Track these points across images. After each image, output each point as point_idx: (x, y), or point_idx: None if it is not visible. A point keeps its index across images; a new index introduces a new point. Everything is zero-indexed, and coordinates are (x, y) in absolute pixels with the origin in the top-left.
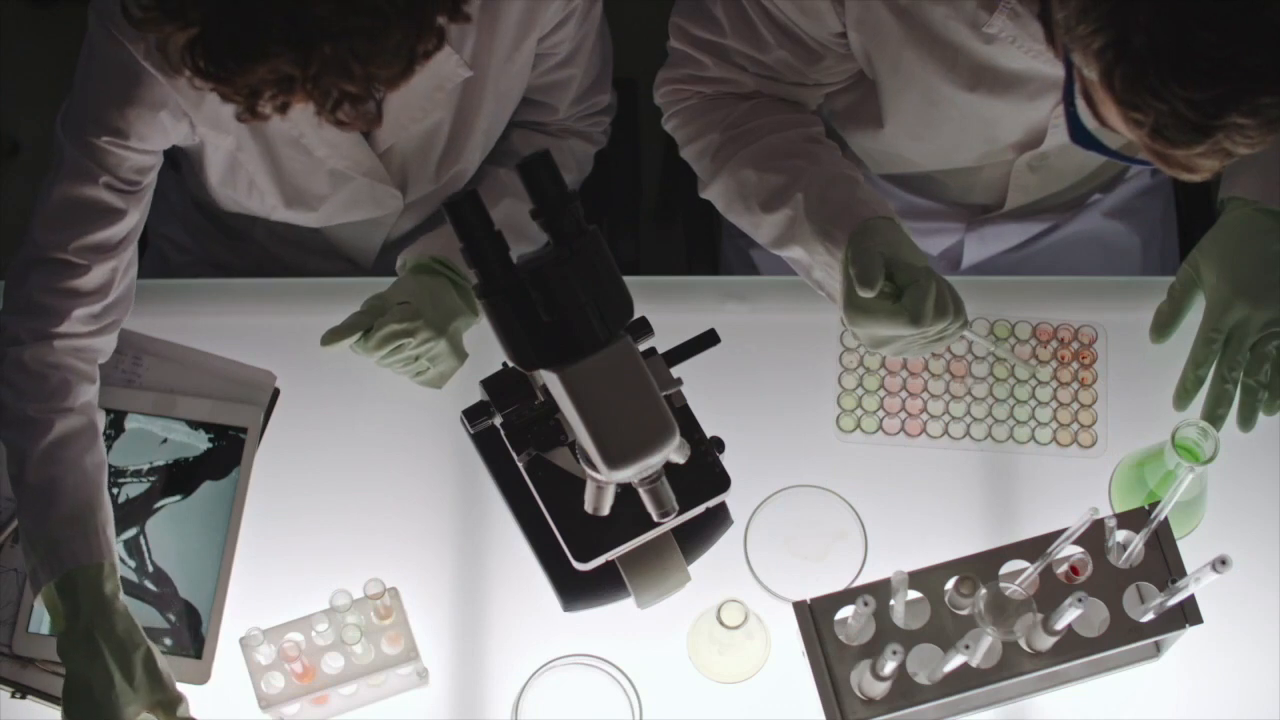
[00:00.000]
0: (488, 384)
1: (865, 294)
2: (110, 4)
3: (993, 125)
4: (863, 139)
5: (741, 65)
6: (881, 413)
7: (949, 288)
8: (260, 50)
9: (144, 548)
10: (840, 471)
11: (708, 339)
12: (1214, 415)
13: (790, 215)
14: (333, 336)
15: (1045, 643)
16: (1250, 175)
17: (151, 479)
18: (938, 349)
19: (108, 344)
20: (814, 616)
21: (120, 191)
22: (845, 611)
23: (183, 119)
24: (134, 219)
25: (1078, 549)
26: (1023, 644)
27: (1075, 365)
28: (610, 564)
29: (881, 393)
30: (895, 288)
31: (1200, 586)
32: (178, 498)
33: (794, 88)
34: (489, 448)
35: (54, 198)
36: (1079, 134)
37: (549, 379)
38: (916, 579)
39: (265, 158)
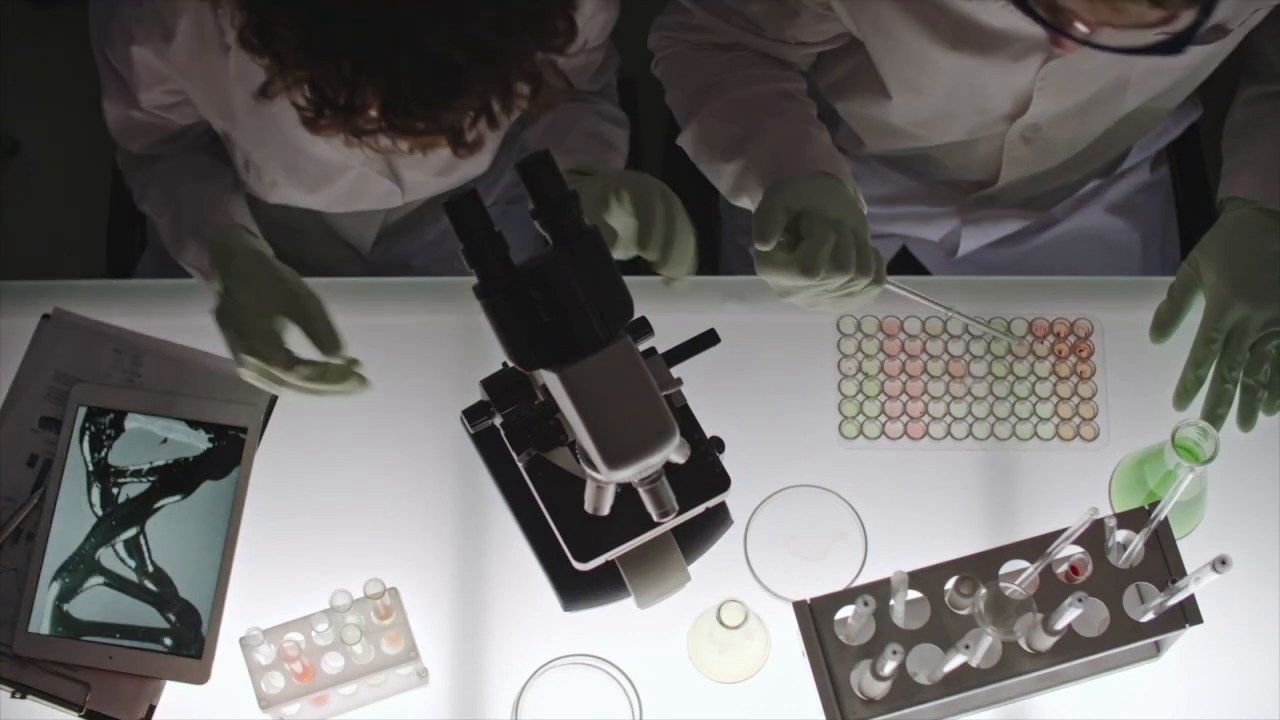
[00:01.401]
0: (488, 384)
1: (761, 247)
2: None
3: (980, 91)
4: (858, 109)
5: (723, 15)
6: (883, 418)
7: (861, 244)
8: (456, 86)
9: (144, 548)
10: (840, 471)
11: (708, 339)
12: (1214, 415)
13: (743, 166)
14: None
15: (1045, 643)
16: (1250, 175)
17: (151, 479)
18: (851, 306)
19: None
20: (814, 616)
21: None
22: (845, 611)
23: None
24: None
25: (1078, 549)
26: (1023, 644)
27: (1073, 359)
28: (610, 564)
29: (882, 397)
30: (795, 239)
31: (1200, 586)
32: (178, 498)
33: (775, 44)
34: (489, 448)
35: (108, 114)
36: None
37: (549, 379)
38: (916, 579)
39: (273, 138)
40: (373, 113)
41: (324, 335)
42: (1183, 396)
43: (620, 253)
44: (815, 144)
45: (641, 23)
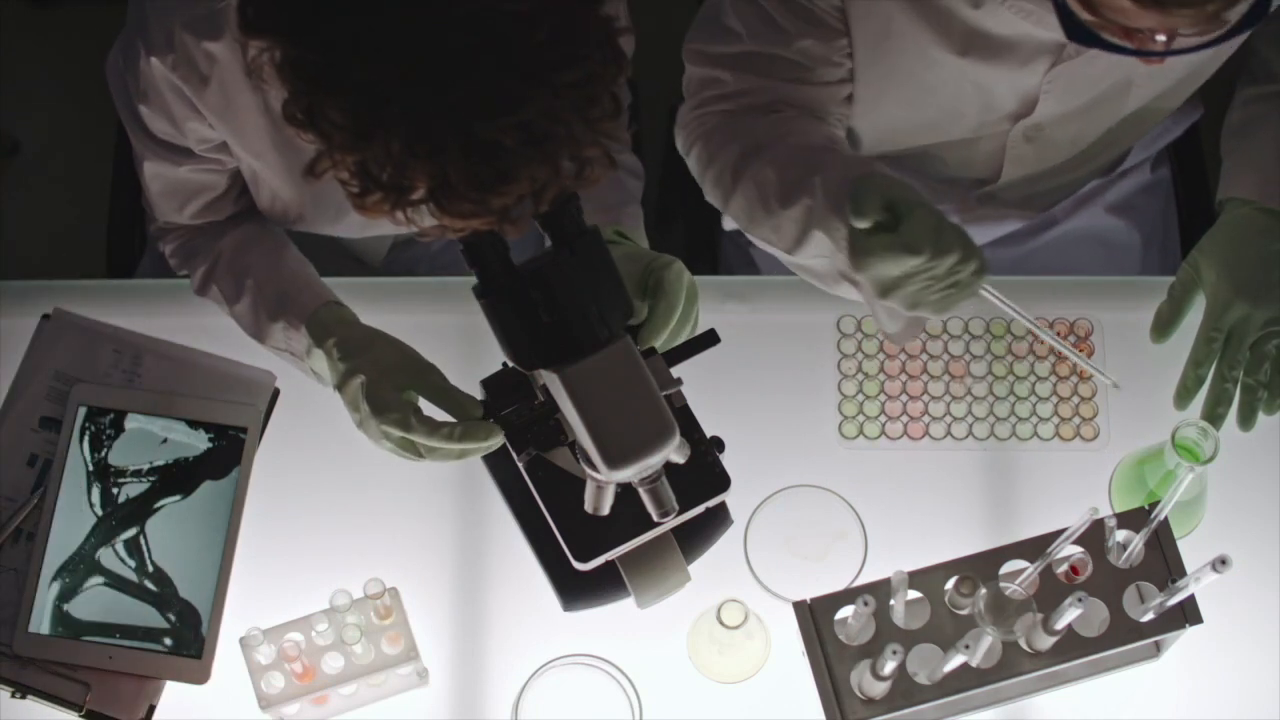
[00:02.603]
0: (488, 384)
1: (860, 223)
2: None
3: (986, 92)
4: (862, 115)
5: (763, 70)
6: (883, 418)
7: (958, 227)
8: (506, 172)
9: (144, 548)
10: (840, 471)
11: (708, 339)
12: (1214, 415)
13: (808, 204)
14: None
15: (1045, 643)
16: (1250, 175)
17: (151, 479)
18: (955, 303)
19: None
20: (814, 616)
21: (202, 169)
22: (845, 611)
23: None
24: (228, 179)
25: (1078, 549)
26: (1023, 644)
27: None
28: (610, 564)
29: (882, 398)
30: (895, 220)
31: (1200, 586)
32: (178, 497)
33: (818, 89)
34: None
35: (147, 177)
36: (1072, 29)
37: (549, 379)
38: (916, 579)
39: (291, 174)
40: (419, 194)
41: (460, 400)
42: (1183, 396)
43: None
44: (882, 166)
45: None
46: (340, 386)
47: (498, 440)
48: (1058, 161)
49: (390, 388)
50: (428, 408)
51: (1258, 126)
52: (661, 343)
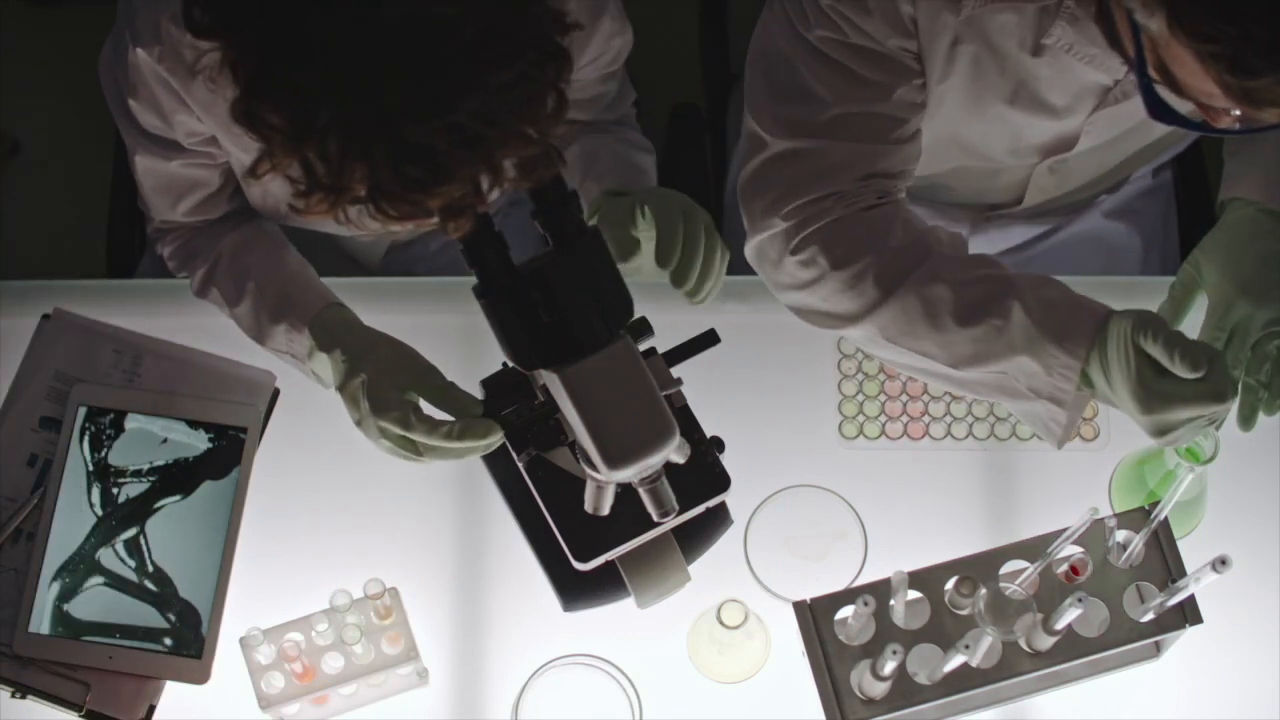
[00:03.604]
0: (488, 384)
1: (1193, 374)
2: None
3: (1019, 137)
4: None
5: (859, 134)
6: (883, 418)
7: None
8: (440, 173)
9: (144, 548)
10: (840, 471)
11: (708, 339)
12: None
13: (999, 325)
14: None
15: (1045, 643)
16: (1252, 177)
17: (151, 479)
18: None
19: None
20: (814, 616)
21: (194, 164)
22: (845, 611)
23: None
24: (219, 168)
25: (1078, 549)
26: (1023, 644)
27: None
28: (610, 564)
29: (882, 398)
30: (1185, 364)
31: (1200, 586)
32: (178, 497)
33: (906, 147)
34: None
35: (139, 172)
36: (1156, 108)
37: (549, 379)
38: (916, 579)
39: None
40: (359, 194)
41: (461, 399)
42: None
43: (648, 274)
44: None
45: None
46: (341, 387)
47: (497, 439)
48: (1076, 185)
49: (391, 387)
50: (430, 411)
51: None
52: (680, 269)
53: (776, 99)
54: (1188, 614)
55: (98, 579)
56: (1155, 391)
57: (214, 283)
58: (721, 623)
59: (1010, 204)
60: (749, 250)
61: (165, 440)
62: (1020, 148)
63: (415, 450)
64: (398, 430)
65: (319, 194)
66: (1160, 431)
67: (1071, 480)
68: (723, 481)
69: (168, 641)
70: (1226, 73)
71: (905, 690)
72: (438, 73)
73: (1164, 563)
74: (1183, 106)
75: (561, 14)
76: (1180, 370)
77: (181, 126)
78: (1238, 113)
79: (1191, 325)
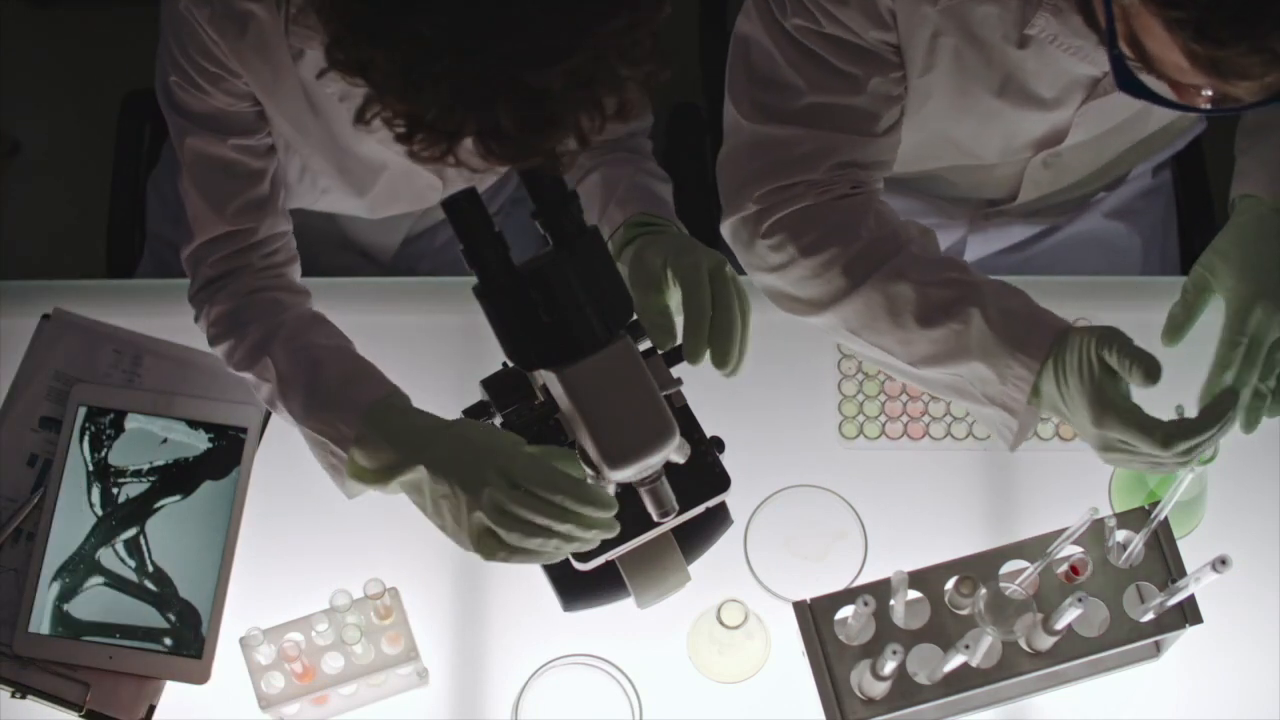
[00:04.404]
0: (488, 384)
1: (1149, 384)
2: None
3: (1012, 131)
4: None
5: (834, 124)
6: (883, 418)
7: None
8: (555, 116)
9: (144, 548)
10: (840, 471)
11: None
12: (1249, 426)
13: (958, 330)
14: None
15: (1045, 643)
16: (1265, 173)
17: (151, 479)
18: (1161, 473)
19: (294, 268)
20: (814, 616)
21: (246, 146)
22: (845, 611)
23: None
24: (271, 166)
25: (1078, 549)
26: (1023, 644)
27: None
28: (610, 564)
29: (882, 397)
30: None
31: (1200, 586)
32: (178, 497)
33: (881, 140)
34: None
35: (188, 159)
36: (1125, 80)
37: (549, 379)
38: (916, 579)
39: (325, 139)
40: (468, 138)
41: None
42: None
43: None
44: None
45: None
46: (426, 505)
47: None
48: (1072, 181)
49: (501, 489)
50: None
51: (1272, 124)
52: (703, 342)
53: (753, 84)
54: (1188, 614)
55: (98, 579)
56: (1111, 404)
57: (268, 352)
58: (721, 623)
59: (1006, 199)
60: (724, 229)
61: (165, 440)
62: (1013, 144)
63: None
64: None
65: (427, 136)
66: (1105, 446)
67: (1071, 480)
68: (723, 481)
69: (168, 641)
70: (1193, 40)
71: (905, 690)
72: (557, 18)
73: (1164, 563)
74: (1158, 88)
75: None
76: (1134, 378)
77: (227, 91)
78: (1210, 93)
79: (1203, 329)
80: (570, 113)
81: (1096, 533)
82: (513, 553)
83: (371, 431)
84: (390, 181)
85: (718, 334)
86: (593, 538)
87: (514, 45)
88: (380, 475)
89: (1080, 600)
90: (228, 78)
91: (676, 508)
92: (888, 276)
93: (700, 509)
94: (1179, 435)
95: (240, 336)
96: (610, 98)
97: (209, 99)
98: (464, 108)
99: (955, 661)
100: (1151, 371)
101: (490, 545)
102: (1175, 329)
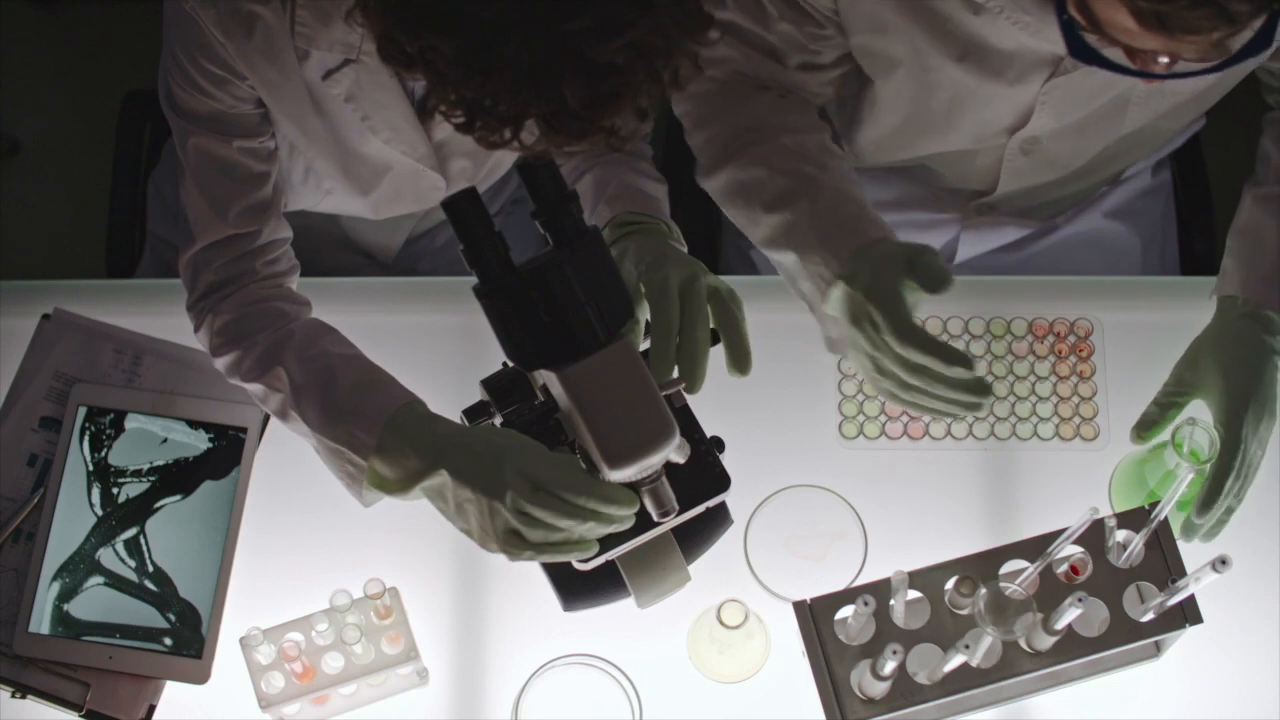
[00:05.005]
0: (488, 384)
1: (937, 289)
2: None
3: (983, 105)
4: (862, 125)
5: (747, 42)
6: (883, 418)
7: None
8: (620, 91)
9: (144, 547)
10: (840, 471)
11: (708, 339)
12: (1210, 534)
13: (790, 220)
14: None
15: (1045, 643)
16: (1249, 276)
17: (151, 479)
18: (919, 401)
19: (294, 278)
20: (814, 616)
21: (250, 149)
22: (845, 611)
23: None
24: (274, 171)
25: (1078, 549)
26: (1023, 644)
27: (1073, 359)
28: (610, 564)
29: (882, 398)
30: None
31: (1200, 586)
32: (178, 497)
33: (795, 74)
34: None
35: (191, 159)
36: (1077, 47)
37: (549, 379)
38: (916, 579)
39: (329, 140)
40: (530, 120)
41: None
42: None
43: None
44: (870, 210)
45: None
46: (450, 508)
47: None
48: (1055, 176)
49: (516, 492)
50: None
51: (1262, 229)
52: (667, 362)
53: None
54: (1188, 614)
55: (98, 579)
56: (894, 300)
57: (280, 361)
58: (721, 623)
59: (989, 190)
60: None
61: (165, 440)
62: (985, 128)
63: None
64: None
65: (492, 121)
66: (852, 345)
67: (1071, 480)
68: (723, 481)
69: (168, 641)
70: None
71: (905, 690)
72: None
73: (1164, 563)
74: (1115, 57)
75: None
76: (921, 278)
77: (230, 93)
78: (1166, 60)
79: (1192, 323)
80: (633, 86)
81: (1096, 533)
82: (540, 551)
83: (393, 441)
84: (394, 182)
85: (683, 356)
86: (616, 529)
87: (579, 22)
88: (402, 483)
89: (1080, 600)
90: (233, 80)
91: (676, 508)
92: (751, 161)
93: (700, 509)
94: (918, 344)
95: (248, 347)
96: (666, 69)
97: (212, 101)
98: (531, 89)
99: (955, 661)
100: (941, 279)
101: (516, 546)
102: (1146, 426)
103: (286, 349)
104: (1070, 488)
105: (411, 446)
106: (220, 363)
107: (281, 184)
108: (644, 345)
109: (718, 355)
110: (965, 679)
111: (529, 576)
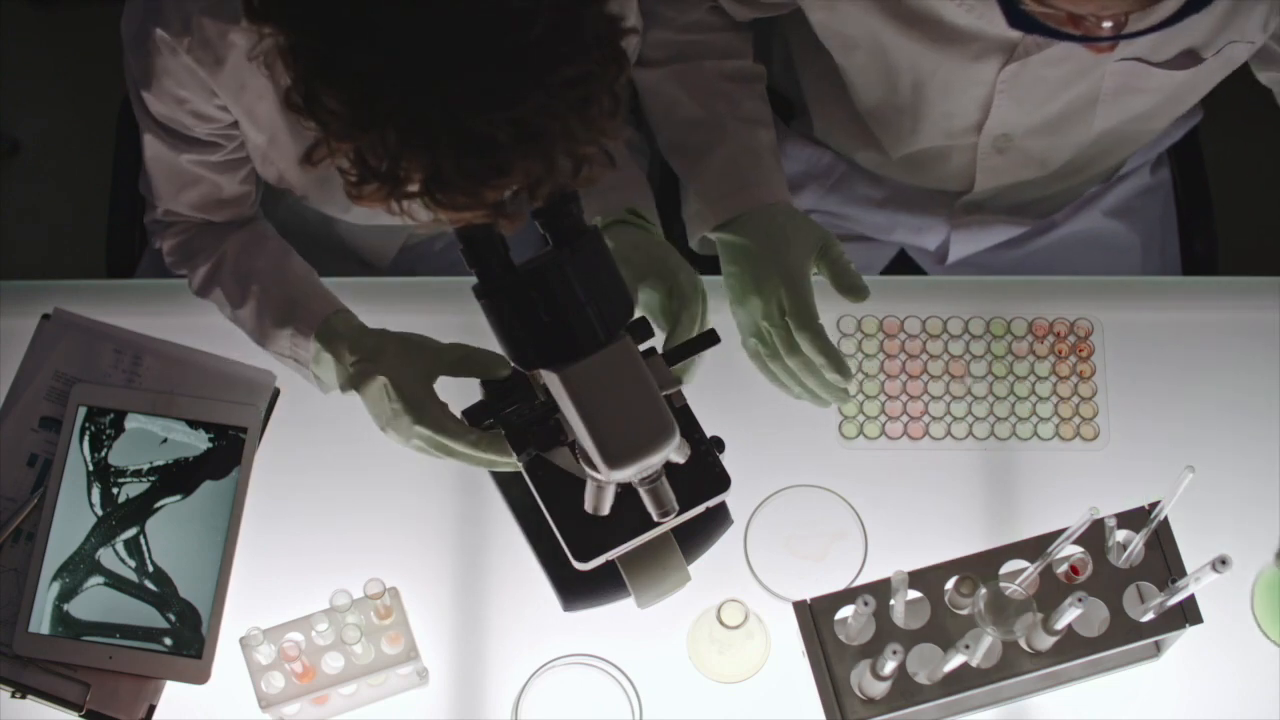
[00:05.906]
0: (488, 384)
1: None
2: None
3: (943, 92)
4: (842, 123)
5: None
6: (883, 418)
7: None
8: (501, 166)
9: (144, 547)
10: (840, 471)
11: (708, 339)
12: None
13: (687, 164)
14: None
15: (1045, 643)
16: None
17: (151, 479)
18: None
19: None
20: (814, 616)
21: (202, 161)
22: (845, 611)
23: (220, 108)
24: (229, 175)
25: (1078, 549)
26: (1023, 644)
27: (1073, 359)
28: (610, 564)
29: (882, 397)
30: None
31: (1200, 586)
32: (178, 497)
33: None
34: None
35: (147, 156)
36: (1016, 17)
37: (549, 379)
38: (916, 579)
39: (296, 155)
40: (414, 186)
41: (484, 360)
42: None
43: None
44: (762, 167)
45: None
46: (359, 388)
47: (510, 461)
48: (1035, 174)
49: (416, 381)
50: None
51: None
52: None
53: None
54: (1188, 614)
55: (98, 579)
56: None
57: (217, 283)
58: (721, 623)
59: (966, 189)
60: None
61: (165, 440)
62: (949, 114)
63: (447, 452)
64: (431, 433)
65: (375, 183)
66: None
67: (1071, 480)
68: (723, 481)
69: (168, 641)
70: None
71: (905, 690)
72: (506, 65)
73: (1164, 563)
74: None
75: (621, 17)
76: (834, 277)
77: (202, 118)
78: (1109, 25)
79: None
80: (517, 164)
81: (1096, 533)
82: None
83: (325, 345)
84: None
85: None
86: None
87: (457, 89)
88: (345, 386)
89: (1080, 600)
90: (206, 103)
91: (676, 508)
92: (674, 76)
93: (700, 509)
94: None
95: (193, 268)
96: (563, 155)
97: (169, 114)
98: (407, 150)
99: (955, 661)
100: (852, 291)
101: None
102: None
103: (221, 271)
104: (1070, 488)
105: (348, 349)
106: (177, 273)
107: (247, 180)
108: (644, 345)
109: (717, 354)
110: (965, 679)
111: (529, 577)
